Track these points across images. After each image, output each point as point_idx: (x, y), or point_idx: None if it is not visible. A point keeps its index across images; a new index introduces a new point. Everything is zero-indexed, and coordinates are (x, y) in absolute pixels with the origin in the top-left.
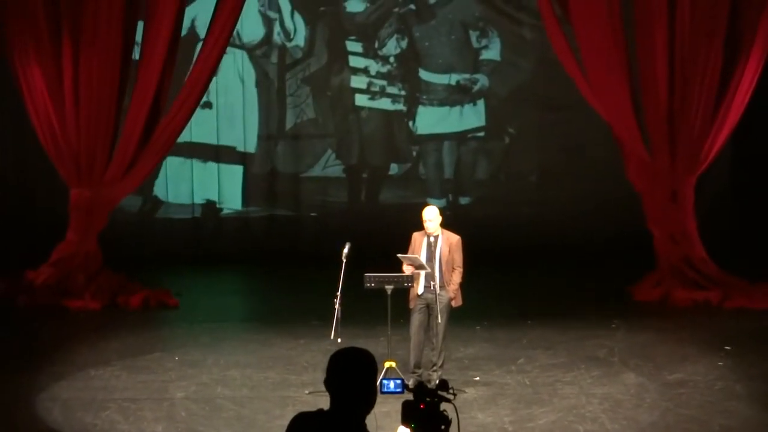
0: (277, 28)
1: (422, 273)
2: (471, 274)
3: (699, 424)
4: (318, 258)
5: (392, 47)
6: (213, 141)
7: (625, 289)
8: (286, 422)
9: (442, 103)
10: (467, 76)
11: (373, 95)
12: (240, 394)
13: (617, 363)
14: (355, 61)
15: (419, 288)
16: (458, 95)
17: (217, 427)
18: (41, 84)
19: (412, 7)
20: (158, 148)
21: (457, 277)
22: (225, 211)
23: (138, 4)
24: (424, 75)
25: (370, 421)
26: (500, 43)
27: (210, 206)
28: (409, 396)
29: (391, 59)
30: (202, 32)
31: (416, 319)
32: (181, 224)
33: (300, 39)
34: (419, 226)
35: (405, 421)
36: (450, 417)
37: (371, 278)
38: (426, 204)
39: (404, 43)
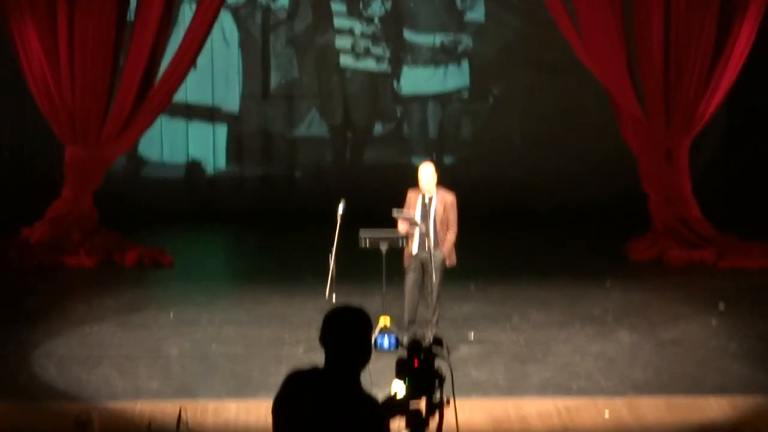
0: None
1: (417, 232)
2: (463, 234)
3: (693, 382)
4: (305, 217)
5: (377, 8)
6: (196, 101)
7: (620, 249)
8: (280, 379)
9: (426, 64)
10: (452, 36)
11: (358, 56)
12: (235, 351)
13: (611, 321)
14: (339, 22)
15: (414, 247)
16: (443, 56)
17: (211, 384)
18: (36, 43)
19: None
20: (153, 108)
21: (451, 236)
22: (208, 171)
23: None
24: (408, 35)
25: (365, 377)
26: (484, 4)
27: (194, 166)
28: (404, 353)
29: (376, 20)
30: None
31: (410, 278)
32: (167, 184)
33: None
34: (404, 185)
35: (399, 378)
36: (444, 374)
37: (366, 237)
38: (412, 163)
39: (389, 4)
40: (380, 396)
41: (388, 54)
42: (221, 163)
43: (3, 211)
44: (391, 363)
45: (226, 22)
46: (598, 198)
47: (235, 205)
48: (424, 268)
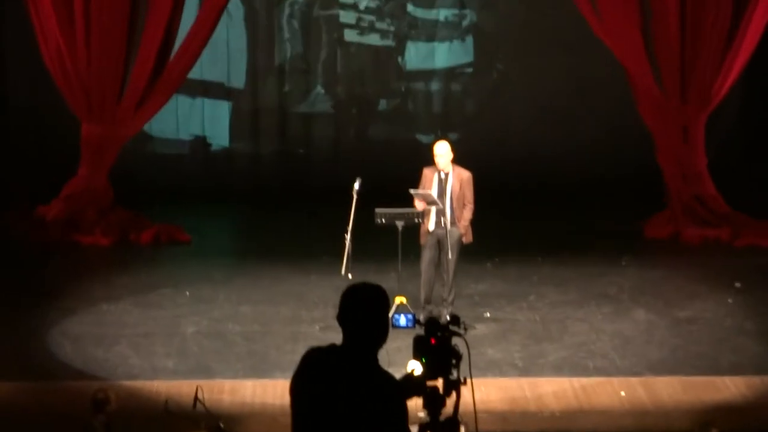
0: None
1: (433, 209)
2: (476, 212)
3: (708, 360)
4: (307, 192)
5: None
6: (199, 77)
7: (636, 227)
8: (297, 357)
9: (430, 39)
10: (456, 11)
11: (362, 30)
12: (251, 329)
13: (627, 300)
14: (350, 2)
15: (430, 224)
16: (447, 30)
17: (228, 362)
18: (52, 20)
19: None
20: (169, 85)
21: (468, 214)
22: (213, 148)
23: None
24: (412, 10)
25: (382, 356)
26: None
27: (198, 142)
28: (421, 331)
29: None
30: None
31: (427, 255)
32: (173, 160)
33: None
34: (408, 160)
35: (416, 356)
36: (461, 352)
37: (382, 214)
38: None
39: None
40: (397, 375)
41: (392, 29)
42: (224, 139)
43: (19, 189)
44: (407, 342)
45: None
46: (612, 175)
47: (234, 180)
48: (440, 245)
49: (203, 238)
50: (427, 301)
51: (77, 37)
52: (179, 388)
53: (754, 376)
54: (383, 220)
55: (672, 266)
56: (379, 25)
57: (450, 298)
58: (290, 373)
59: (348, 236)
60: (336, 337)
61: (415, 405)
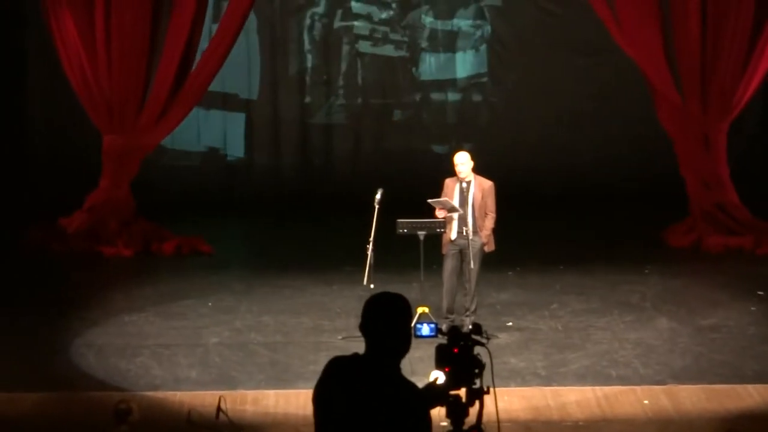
0: None
1: (455, 218)
2: (498, 221)
3: (732, 368)
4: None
5: None
6: (215, 88)
7: (658, 235)
8: (319, 368)
9: (445, 50)
10: (471, 21)
11: (376, 41)
12: (273, 339)
13: (650, 308)
14: (357, 7)
15: (452, 233)
16: (461, 41)
17: (250, 372)
18: (73, 31)
19: None
20: (190, 96)
21: (489, 222)
22: (228, 159)
23: None
24: (426, 21)
25: (405, 366)
26: None
27: (215, 153)
28: (443, 340)
29: (394, 5)
30: None
31: (449, 265)
32: (188, 171)
33: None
34: (423, 171)
35: (439, 366)
36: (484, 361)
37: (404, 224)
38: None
39: None
40: (420, 384)
41: (406, 39)
42: (241, 150)
43: (41, 201)
44: (430, 352)
45: None
46: (633, 182)
47: (253, 191)
48: (462, 255)
49: (224, 249)
50: (450, 311)
51: (98, 49)
52: (202, 398)
53: None
54: (405, 230)
55: (694, 274)
56: (393, 35)
57: (472, 308)
58: (313, 383)
59: (370, 246)
60: (359, 346)
61: (438, 414)
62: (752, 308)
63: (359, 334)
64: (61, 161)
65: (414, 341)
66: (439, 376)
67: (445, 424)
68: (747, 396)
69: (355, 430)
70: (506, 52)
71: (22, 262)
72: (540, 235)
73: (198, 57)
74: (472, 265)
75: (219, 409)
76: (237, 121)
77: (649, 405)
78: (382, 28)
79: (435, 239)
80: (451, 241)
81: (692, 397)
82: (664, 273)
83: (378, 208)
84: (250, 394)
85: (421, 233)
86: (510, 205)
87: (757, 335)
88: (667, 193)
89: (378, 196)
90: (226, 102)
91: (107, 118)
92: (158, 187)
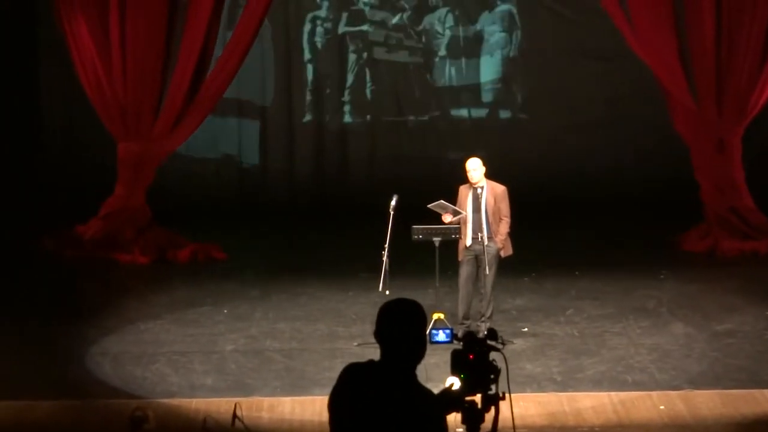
0: None
1: (469, 225)
2: (513, 226)
3: (748, 373)
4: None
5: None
6: (230, 95)
7: (673, 240)
8: (334, 374)
9: (459, 55)
10: (485, 27)
11: (390, 48)
12: (289, 346)
13: (665, 313)
14: (372, 14)
15: (467, 240)
16: (476, 46)
17: (266, 379)
18: (88, 39)
19: None
20: (205, 103)
21: (504, 227)
22: (243, 165)
23: None
24: (440, 27)
25: (420, 372)
26: None
27: (230, 159)
28: (458, 346)
29: (408, 11)
30: None
31: (465, 271)
32: (204, 177)
33: None
34: (438, 177)
35: (454, 371)
36: (499, 367)
37: (419, 230)
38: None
39: None
40: (436, 391)
41: (420, 46)
42: (255, 157)
43: (57, 208)
44: (445, 358)
45: None
46: (648, 187)
47: (268, 198)
48: (478, 261)
49: (239, 256)
50: (465, 317)
51: (113, 56)
52: (218, 405)
53: None
54: (420, 237)
55: (709, 279)
56: (407, 42)
57: (488, 313)
58: (328, 390)
59: (385, 253)
60: (374, 353)
61: (454, 420)
62: None
63: (374, 340)
64: (77, 168)
65: (429, 347)
66: (454, 383)
67: (460, 430)
68: (764, 401)
69: None
70: (520, 58)
71: (38, 270)
72: (555, 240)
73: (213, 64)
74: (487, 271)
75: (235, 416)
76: (252, 128)
77: (665, 410)
78: (397, 35)
79: (450, 245)
80: (467, 248)
81: (708, 403)
82: (679, 278)
83: (393, 215)
84: (266, 400)
85: (436, 239)
86: (524, 210)
87: None
88: (682, 197)
89: (393, 203)
90: (241, 109)
91: (122, 125)
92: (173, 194)
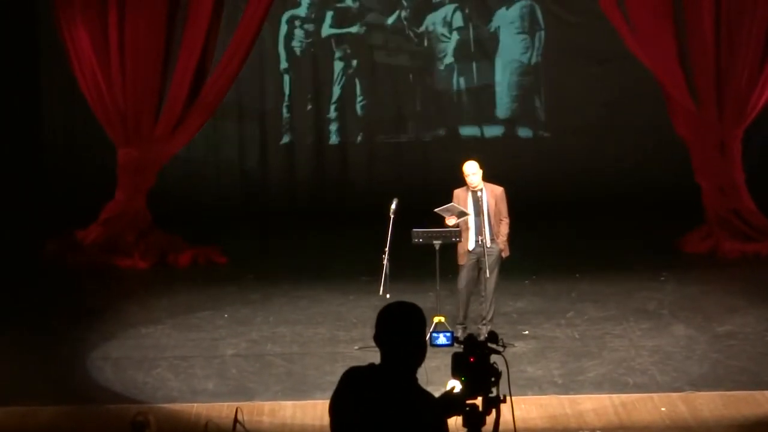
0: None
1: (471, 229)
2: (513, 228)
3: (749, 375)
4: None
5: (408, 2)
6: (231, 99)
7: (674, 242)
8: (336, 378)
9: (470, 61)
10: (484, 29)
11: (385, 53)
12: (290, 350)
13: (667, 315)
14: (362, 13)
15: (469, 244)
16: (476, 50)
17: (267, 383)
18: (87, 44)
19: None
20: (205, 107)
21: (505, 228)
22: (245, 170)
23: None
24: (445, 28)
25: (421, 375)
26: None
27: (231, 163)
28: (459, 349)
29: (407, 9)
30: None
31: (467, 275)
32: (205, 181)
33: None
34: (440, 179)
35: (455, 374)
36: (500, 369)
37: (419, 234)
38: (466, 159)
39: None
40: (436, 394)
41: (421, 49)
42: (254, 161)
43: (58, 214)
44: (446, 361)
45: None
46: (649, 189)
47: (265, 201)
48: (479, 263)
49: (240, 260)
50: (464, 318)
51: (112, 62)
52: (219, 410)
53: None
54: (420, 240)
55: (711, 281)
56: (407, 46)
57: (489, 316)
58: (330, 394)
59: (386, 256)
60: (375, 357)
61: (455, 423)
62: None
63: (375, 344)
64: (77, 171)
65: (430, 350)
66: (455, 386)
67: None
68: (765, 402)
69: None
70: (544, 64)
71: (38, 275)
72: (555, 243)
73: (213, 67)
74: (488, 274)
75: (236, 420)
76: (252, 132)
77: (667, 412)
78: (396, 38)
79: (450, 248)
80: (469, 251)
81: (710, 404)
82: (680, 280)
83: (393, 218)
84: (267, 405)
85: (437, 242)
86: (525, 213)
87: None
88: (682, 199)
89: (393, 206)
90: (242, 113)
91: (122, 131)
92: (173, 198)
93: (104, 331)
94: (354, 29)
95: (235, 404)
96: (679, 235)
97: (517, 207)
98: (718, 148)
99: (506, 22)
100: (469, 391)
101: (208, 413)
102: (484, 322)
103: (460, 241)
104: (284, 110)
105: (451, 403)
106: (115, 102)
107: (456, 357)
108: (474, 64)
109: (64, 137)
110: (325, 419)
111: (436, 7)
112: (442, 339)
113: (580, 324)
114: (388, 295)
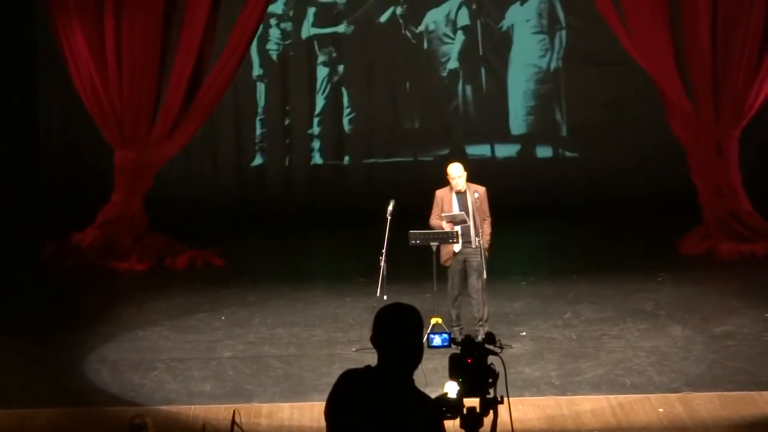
0: None
1: (459, 230)
2: (511, 230)
3: (747, 376)
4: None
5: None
6: (228, 100)
7: (671, 243)
8: (333, 380)
9: (466, 64)
10: (513, 25)
11: (378, 57)
12: (287, 352)
13: (664, 316)
14: (350, 9)
15: (456, 245)
16: (486, 52)
17: (264, 385)
18: (84, 47)
19: None
20: (202, 110)
21: (488, 227)
22: (243, 170)
23: None
24: (449, 27)
25: (418, 376)
26: None
27: (228, 164)
28: (456, 350)
29: (403, 4)
30: None
31: (456, 276)
32: (198, 184)
33: None
34: (430, 180)
35: (453, 376)
36: (497, 371)
37: (416, 235)
38: (452, 161)
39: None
40: (434, 395)
41: (420, 52)
42: (251, 162)
43: (56, 217)
44: (444, 362)
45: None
46: (646, 190)
47: (262, 203)
48: (465, 264)
49: (237, 262)
50: (458, 318)
51: (109, 65)
52: (216, 412)
53: None
54: (417, 242)
55: (708, 282)
56: (403, 49)
57: (485, 316)
58: (326, 396)
59: (383, 258)
60: (372, 358)
61: (453, 425)
62: (766, 315)
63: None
64: (74, 176)
65: (427, 352)
66: (453, 387)
67: None
68: (762, 403)
69: None
70: (566, 69)
71: (36, 278)
72: (552, 244)
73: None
74: (485, 275)
75: (233, 422)
76: (249, 133)
77: (664, 413)
78: (387, 38)
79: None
80: (456, 253)
81: (707, 405)
82: (677, 281)
83: (390, 220)
84: (265, 407)
85: (434, 244)
86: (522, 214)
87: None
88: (679, 200)
89: (390, 208)
90: (239, 113)
91: (119, 134)
92: (170, 200)
93: (102, 334)
94: (340, 29)
95: (233, 406)
96: (676, 236)
97: (515, 207)
98: (715, 149)
99: (521, 19)
100: (466, 392)
101: (205, 415)
102: (480, 323)
103: (457, 242)
104: (257, 125)
105: (448, 405)
106: (111, 105)
107: (453, 358)
108: (482, 70)
109: (61, 140)
110: (323, 421)
111: (437, 3)
112: (438, 340)
113: (577, 325)
114: (385, 297)
